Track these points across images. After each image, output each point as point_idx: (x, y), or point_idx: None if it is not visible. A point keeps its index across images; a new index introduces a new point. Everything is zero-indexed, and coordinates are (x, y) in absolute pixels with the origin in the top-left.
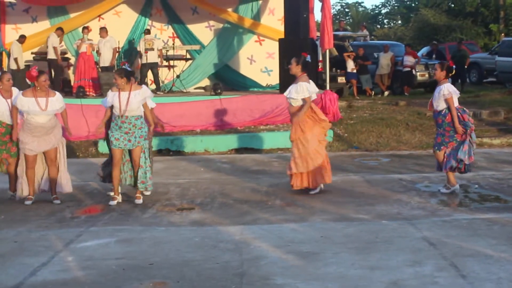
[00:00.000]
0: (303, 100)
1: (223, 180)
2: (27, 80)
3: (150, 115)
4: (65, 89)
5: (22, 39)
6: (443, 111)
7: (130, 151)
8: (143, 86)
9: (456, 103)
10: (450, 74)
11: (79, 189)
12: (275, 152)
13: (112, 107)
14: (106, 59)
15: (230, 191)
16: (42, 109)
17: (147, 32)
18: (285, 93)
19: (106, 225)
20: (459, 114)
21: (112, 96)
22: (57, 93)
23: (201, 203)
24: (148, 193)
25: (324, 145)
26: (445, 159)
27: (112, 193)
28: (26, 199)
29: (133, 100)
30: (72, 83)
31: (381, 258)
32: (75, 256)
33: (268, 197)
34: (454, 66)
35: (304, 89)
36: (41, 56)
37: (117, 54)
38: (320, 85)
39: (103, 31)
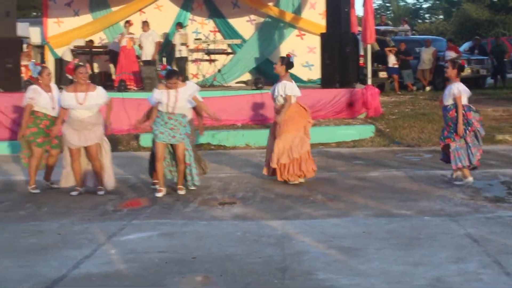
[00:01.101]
0: (284, 98)
1: (264, 174)
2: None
3: (204, 106)
4: (107, 82)
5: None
6: (448, 106)
7: (174, 148)
8: (188, 82)
9: (464, 101)
10: (462, 73)
11: (121, 182)
12: (316, 147)
13: (158, 104)
14: (148, 53)
15: (271, 186)
16: (79, 103)
17: (180, 26)
18: (271, 92)
19: (148, 219)
20: (464, 112)
21: (159, 94)
22: (99, 88)
23: (243, 197)
24: (193, 187)
25: (308, 139)
26: (453, 155)
27: (157, 186)
28: (73, 190)
29: (182, 97)
30: (113, 77)
31: (424, 254)
32: (117, 249)
33: (309, 192)
34: (465, 66)
35: (286, 88)
36: (82, 49)
37: (159, 48)
38: (362, 80)
39: (145, 25)
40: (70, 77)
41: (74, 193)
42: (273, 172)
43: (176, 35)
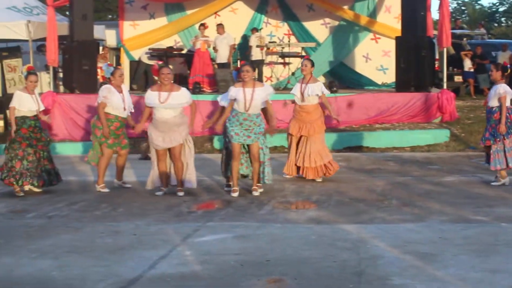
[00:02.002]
0: (320, 98)
1: (339, 178)
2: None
3: (271, 110)
4: (182, 84)
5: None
6: (494, 109)
7: (248, 147)
8: (265, 83)
9: (508, 103)
10: (506, 74)
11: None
12: (390, 151)
13: (233, 103)
14: (223, 56)
15: (345, 190)
16: (161, 102)
17: (256, 30)
18: (297, 92)
19: (223, 221)
20: (507, 114)
21: (236, 91)
22: (183, 89)
23: (317, 200)
24: (261, 190)
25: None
26: (493, 157)
27: (232, 187)
28: (158, 190)
29: (257, 97)
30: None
31: (502, 261)
32: (193, 250)
33: (384, 197)
34: (508, 66)
35: (323, 88)
36: (157, 52)
37: (233, 51)
38: (437, 84)
39: (220, 27)
40: (156, 78)
41: (159, 193)
42: (297, 171)
43: (252, 37)
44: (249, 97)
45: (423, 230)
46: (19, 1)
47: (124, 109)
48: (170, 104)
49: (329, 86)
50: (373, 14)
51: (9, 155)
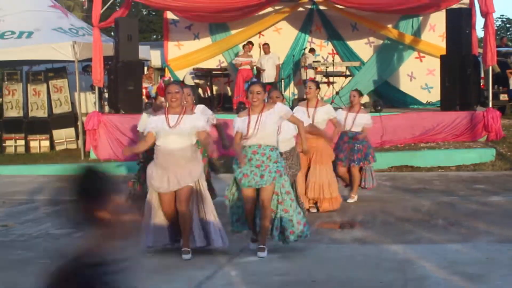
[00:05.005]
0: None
1: (384, 197)
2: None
3: (302, 129)
4: (226, 104)
5: None
6: None
7: (258, 191)
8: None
9: None
10: None
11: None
12: (436, 171)
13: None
14: (269, 75)
15: (391, 209)
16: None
17: (314, 50)
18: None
19: (268, 241)
20: None
21: (240, 122)
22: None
23: (362, 220)
24: (264, 254)
25: None
26: None
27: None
28: (184, 252)
29: (266, 122)
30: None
31: None
32: (238, 270)
33: (430, 216)
34: None
35: (332, 111)
36: (202, 72)
37: (278, 70)
38: (482, 102)
39: (266, 47)
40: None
41: (186, 256)
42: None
43: (310, 57)
44: (253, 126)
45: (470, 251)
46: (65, 22)
47: None
48: (181, 129)
49: (374, 105)
50: (417, 33)
51: None
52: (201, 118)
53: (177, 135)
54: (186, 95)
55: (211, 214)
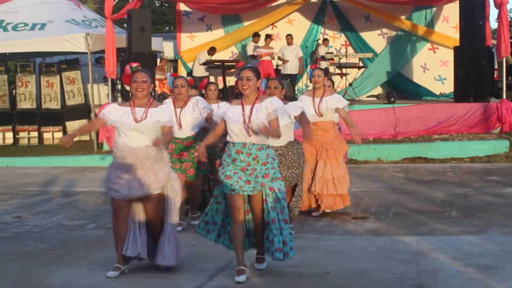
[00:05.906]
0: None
1: (397, 189)
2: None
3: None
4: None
5: (212, 51)
6: None
7: (248, 198)
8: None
9: None
10: None
11: None
12: (449, 162)
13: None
14: (292, 66)
15: (404, 201)
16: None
17: (324, 40)
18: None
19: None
20: None
21: (229, 108)
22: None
23: (376, 212)
24: (263, 265)
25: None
26: None
27: (237, 266)
28: (113, 269)
29: (257, 116)
30: None
31: None
32: (250, 262)
33: (443, 208)
34: None
35: (341, 99)
36: (214, 64)
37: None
38: (496, 94)
39: (289, 38)
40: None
41: (112, 274)
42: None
43: (322, 48)
44: (246, 116)
45: (484, 242)
46: (78, 14)
47: (180, 127)
48: (144, 124)
49: (387, 97)
50: (430, 24)
51: None
52: (167, 111)
53: (140, 132)
54: (180, 87)
55: (174, 228)
